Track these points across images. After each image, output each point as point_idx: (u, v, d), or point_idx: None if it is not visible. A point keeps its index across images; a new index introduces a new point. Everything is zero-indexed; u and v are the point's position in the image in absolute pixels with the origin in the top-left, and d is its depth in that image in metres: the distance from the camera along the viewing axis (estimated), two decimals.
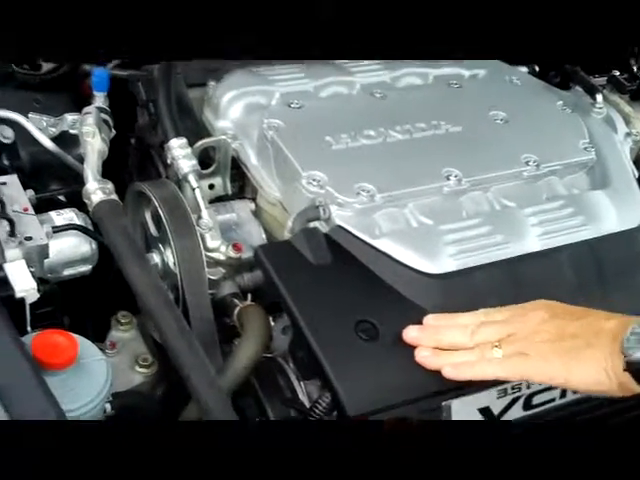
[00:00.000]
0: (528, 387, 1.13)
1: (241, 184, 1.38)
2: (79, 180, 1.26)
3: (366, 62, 1.52)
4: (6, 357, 0.88)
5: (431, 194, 1.25)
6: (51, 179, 1.35)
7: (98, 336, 1.24)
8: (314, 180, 1.21)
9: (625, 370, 0.95)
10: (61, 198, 1.34)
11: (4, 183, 1.17)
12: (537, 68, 1.71)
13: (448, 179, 1.27)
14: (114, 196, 1.18)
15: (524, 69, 1.68)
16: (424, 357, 1.06)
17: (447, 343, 1.07)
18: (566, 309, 1.08)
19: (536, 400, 1.15)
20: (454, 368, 1.05)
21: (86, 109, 1.29)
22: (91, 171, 1.20)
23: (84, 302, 1.36)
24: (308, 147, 1.27)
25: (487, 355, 1.05)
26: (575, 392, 1.10)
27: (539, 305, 1.08)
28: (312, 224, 1.20)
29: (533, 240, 1.23)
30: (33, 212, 1.16)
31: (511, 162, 1.33)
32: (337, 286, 1.13)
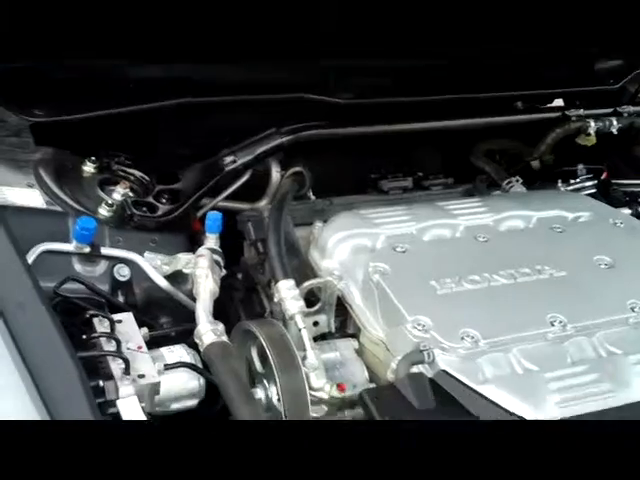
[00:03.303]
0: None
1: (343, 320, 1.41)
2: (189, 316, 1.31)
3: (469, 204, 1.55)
4: None
5: (535, 340, 1.25)
6: (162, 314, 1.39)
7: None
8: (419, 325, 1.23)
9: None
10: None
11: (120, 321, 1.22)
12: None
13: (553, 325, 1.27)
14: (225, 337, 1.22)
15: (627, 211, 1.68)
16: None
17: None
18: None
19: None
20: None
21: (199, 251, 1.35)
22: (203, 312, 1.25)
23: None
24: (413, 292, 1.30)
25: None
26: None
27: None
28: (416, 367, 1.21)
29: None
30: (146, 350, 1.20)
31: (616, 308, 1.32)
32: None
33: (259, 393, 1.30)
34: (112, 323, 1.19)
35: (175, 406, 1.26)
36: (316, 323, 1.38)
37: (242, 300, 1.52)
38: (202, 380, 1.26)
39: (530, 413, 1.14)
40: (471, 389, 1.16)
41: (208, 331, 1.21)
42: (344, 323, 1.41)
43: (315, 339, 1.33)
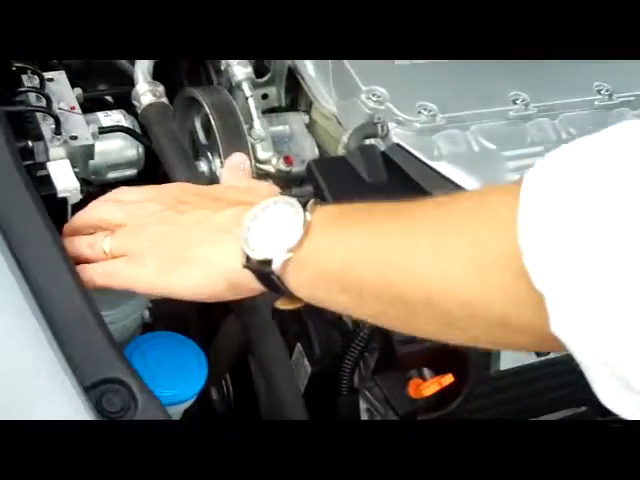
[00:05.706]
0: None
1: (294, 96, 1.33)
2: (129, 82, 1.21)
3: None
4: (45, 257, 0.84)
5: (496, 118, 1.19)
6: (100, 79, 1.30)
7: None
8: (374, 95, 1.15)
9: (245, 267, 0.76)
10: (109, 99, 1.30)
11: (51, 79, 1.12)
12: None
13: (515, 103, 1.20)
14: (164, 99, 1.14)
15: None
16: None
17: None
18: (197, 192, 0.88)
19: None
20: None
21: None
22: (141, 72, 1.16)
23: None
24: (369, 61, 1.21)
25: (97, 247, 0.85)
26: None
27: (173, 188, 0.90)
28: (368, 141, 1.15)
29: None
30: (80, 111, 1.11)
31: (582, 90, 1.26)
32: None
33: (202, 166, 1.23)
34: (42, 80, 1.10)
35: (112, 175, 1.19)
36: (265, 96, 1.29)
37: (188, 72, 1.42)
38: (141, 149, 1.19)
39: None
40: (425, 164, 1.11)
41: (147, 91, 1.13)
42: (295, 101, 1.33)
43: (264, 113, 1.25)
